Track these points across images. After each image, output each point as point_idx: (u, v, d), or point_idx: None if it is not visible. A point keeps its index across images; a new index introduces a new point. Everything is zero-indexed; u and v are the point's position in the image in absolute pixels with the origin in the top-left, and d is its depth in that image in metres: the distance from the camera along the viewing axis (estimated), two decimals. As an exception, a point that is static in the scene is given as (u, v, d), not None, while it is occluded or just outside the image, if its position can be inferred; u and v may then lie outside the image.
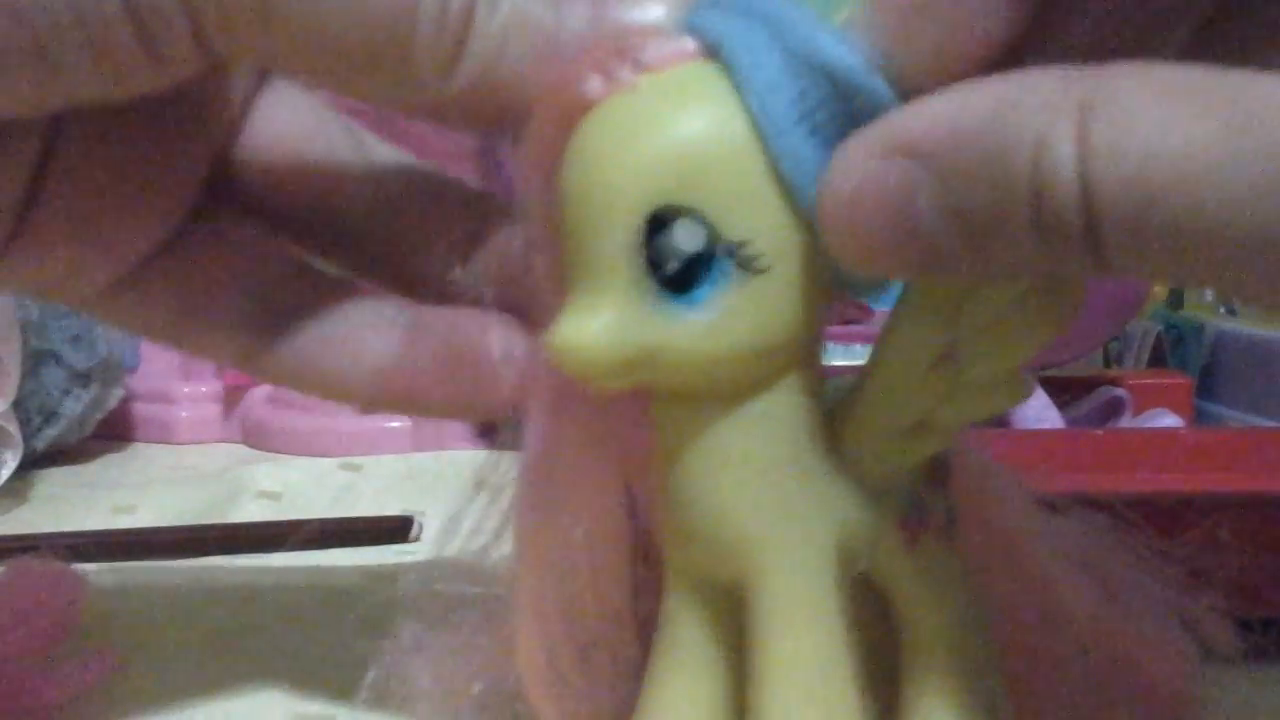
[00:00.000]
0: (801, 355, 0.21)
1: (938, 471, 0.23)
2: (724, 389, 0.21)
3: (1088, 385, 0.54)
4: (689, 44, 0.21)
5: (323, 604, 0.36)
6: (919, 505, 0.22)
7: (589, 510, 0.24)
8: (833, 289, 0.21)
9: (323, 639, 0.35)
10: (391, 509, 0.50)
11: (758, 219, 0.20)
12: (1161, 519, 0.27)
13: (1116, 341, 0.67)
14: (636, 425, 0.23)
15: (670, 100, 0.20)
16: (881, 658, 0.23)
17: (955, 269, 0.18)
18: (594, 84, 0.21)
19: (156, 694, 0.33)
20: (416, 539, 0.46)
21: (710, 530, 0.22)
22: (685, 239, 0.20)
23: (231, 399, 0.68)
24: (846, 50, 0.19)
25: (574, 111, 0.21)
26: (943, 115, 0.18)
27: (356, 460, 0.55)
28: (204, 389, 0.68)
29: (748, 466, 0.21)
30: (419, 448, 0.61)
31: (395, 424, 0.63)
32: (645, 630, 0.24)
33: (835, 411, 0.22)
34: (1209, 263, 0.16)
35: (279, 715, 0.32)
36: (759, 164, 0.20)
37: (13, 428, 0.52)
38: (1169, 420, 0.50)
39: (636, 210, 0.20)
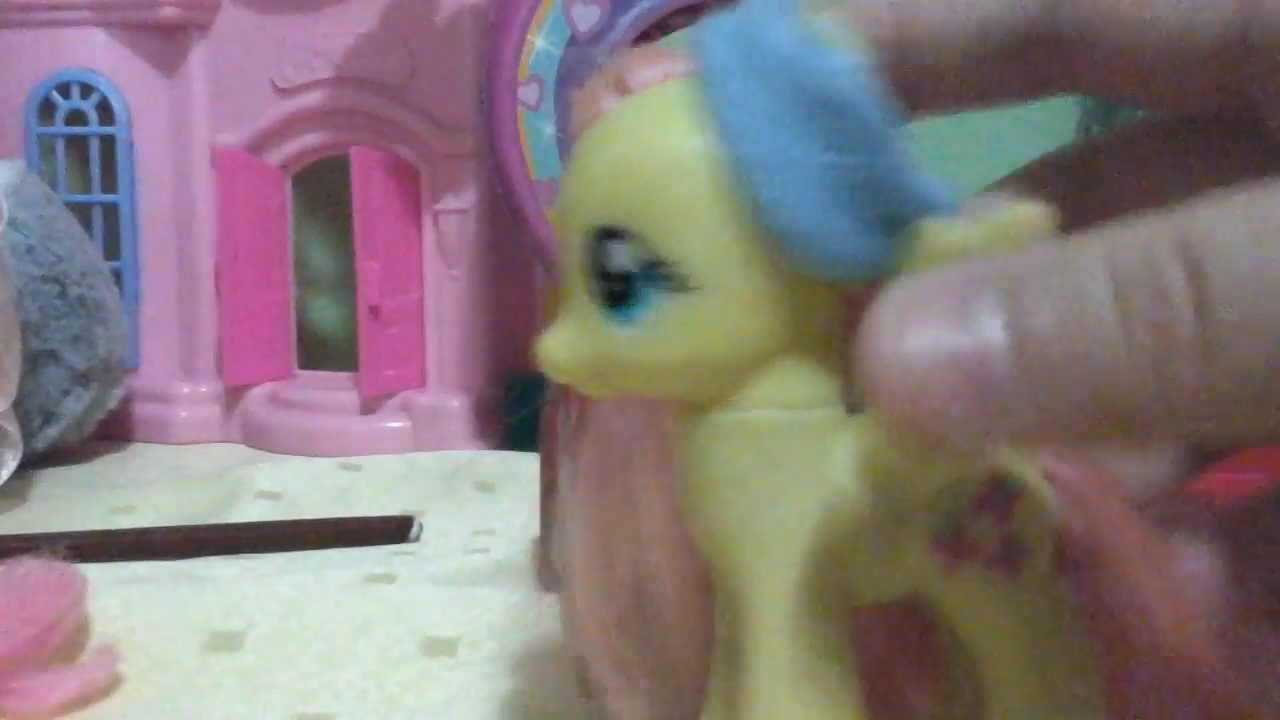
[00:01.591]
0: (783, 366, 0.21)
1: (992, 496, 0.21)
2: (700, 400, 0.21)
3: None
4: (678, 65, 0.21)
5: (323, 604, 0.36)
6: (956, 529, 0.21)
7: (659, 502, 0.24)
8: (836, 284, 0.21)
9: (323, 639, 0.35)
10: (391, 509, 0.50)
11: (694, 237, 0.20)
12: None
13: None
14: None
15: (626, 121, 0.21)
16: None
17: (1034, 430, 0.17)
18: (585, 108, 0.22)
19: (156, 694, 0.33)
20: (416, 539, 0.46)
21: (702, 544, 0.22)
22: (618, 257, 0.20)
23: (231, 399, 0.68)
24: (825, 65, 0.19)
25: (578, 135, 0.22)
26: (1004, 258, 0.17)
27: (356, 460, 0.55)
28: (204, 389, 0.68)
29: (722, 480, 0.21)
30: (419, 448, 0.61)
31: (395, 424, 0.63)
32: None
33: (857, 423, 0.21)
34: None
35: (279, 715, 0.32)
36: (701, 182, 0.20)
37: (13, 428, 0.52)
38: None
39: (584, 229, 0.21)
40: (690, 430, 0.22)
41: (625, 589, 0.24)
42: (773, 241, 0.20)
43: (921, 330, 0.17)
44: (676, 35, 0.61)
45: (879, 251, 0.19)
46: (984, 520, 0.21)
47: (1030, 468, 0.21)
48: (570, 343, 0.22)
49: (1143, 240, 0.16)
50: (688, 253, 0.20)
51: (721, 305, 0.20)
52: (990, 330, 0.16)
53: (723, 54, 0.20)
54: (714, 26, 0.20)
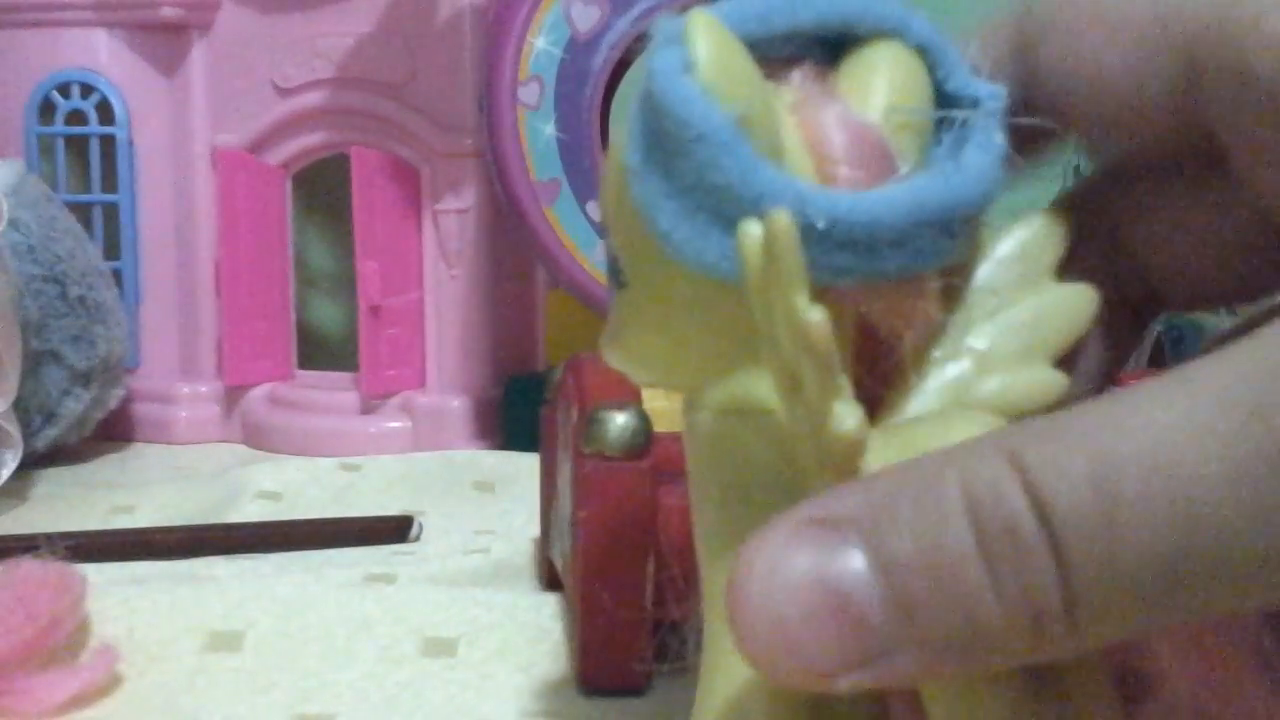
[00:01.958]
0: (742, 370, 0.21)
1: None
2: (682, 396, 0.22)
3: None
4: None
5: (323, 604, 0.36)
6: None
7: None
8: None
9: (323, 639, 0.35)
10: (391, 509, 0.50)
11: (622, 237, 0.21)
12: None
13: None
14: None
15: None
16: None
17: (898, 662, 0.16)
18: None
19: (156, 694, 0.33)
20: (416, 539, 0.46)
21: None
22: (606, 252, 0.22)
23: (231, 399, 0.68)
24: (654, 72, 0.19)
25: None
26: (864, 487, 0.17)
27: (356, 460, 0.55)
28: (204, 389, 0.68)
29: (691, 478, 0.22)
30: (419, 448, 0.61)
31: (395, 424, 0.63)
32: None
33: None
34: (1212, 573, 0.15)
35: (279, 715, 0.32)
36: (620, 189, 0.21)
37: (13, 428, 0.52)
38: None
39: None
40: (686, 434, 0.22)
41: None
42: (663, 250, 0.20)
43: (783, 562, 0.17)
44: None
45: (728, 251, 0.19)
46: None
47: None
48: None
49: (991, 472, 0.16)
50: (620, 250, 0.21)
51: (644, 301, 0.21)
52: (854, 560, 0.16)
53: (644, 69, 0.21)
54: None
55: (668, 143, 0.19)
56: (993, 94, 0.21)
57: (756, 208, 0.19)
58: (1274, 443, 0.15)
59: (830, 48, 0.22)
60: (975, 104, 0.21)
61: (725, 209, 0.19)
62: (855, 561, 0.16)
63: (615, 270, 0.22)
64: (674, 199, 0.20)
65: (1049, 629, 0.16)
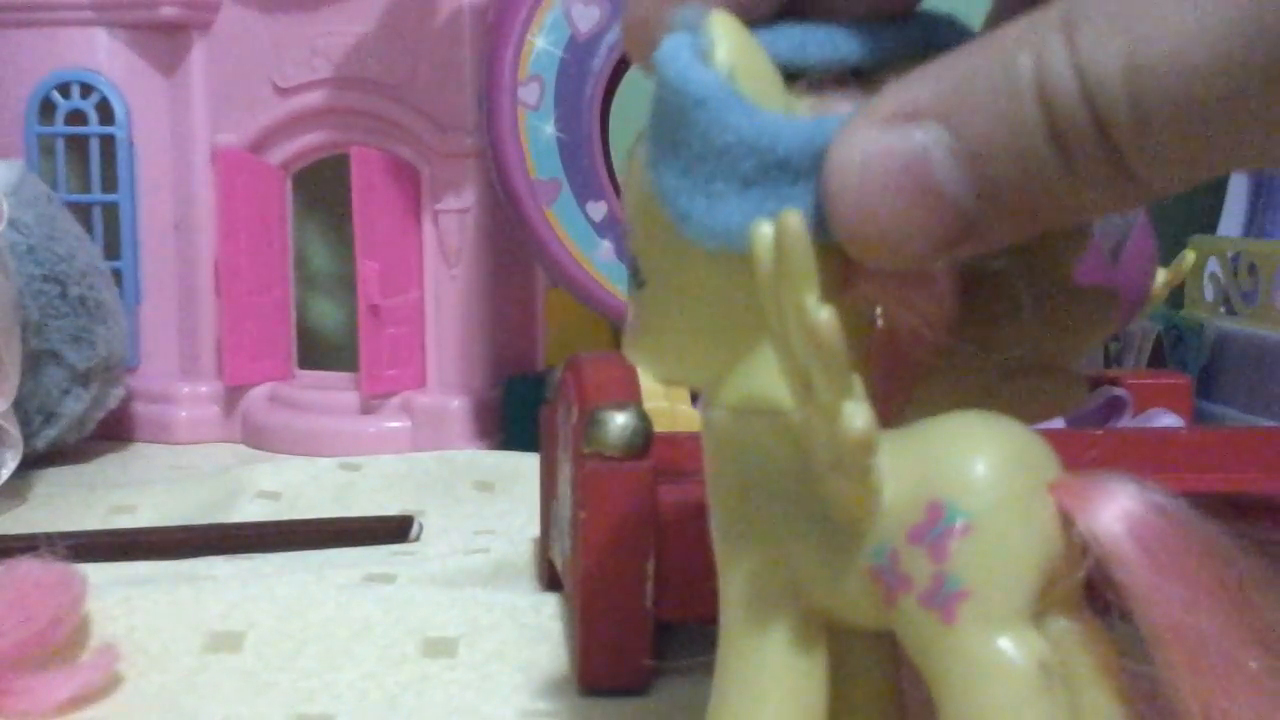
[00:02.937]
0: (755, 369, 0.21)
1: (926, 530, 0.20)
2: (703, 393, 0.22)
3: (1088, 385, 0.54)
4: None
5: (323, 604, 0.36)
6: (894, 561, 0.20)
7: None
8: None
9: (323, 639, 0.35)
10: (391, 509, 0.50)
11: (642, 235, 0.21)
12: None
13: (1116, 341, 0.67)
14: None
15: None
16: None
17: (985, 234, 0.18)
18: None
19: (156, 694, 0.33)
20: (416, 539, 0.46)
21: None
22: (622, 249, 0.22)
23: (231, 399, 0.68)
24: (660, 57, 0.19)
25: None
26: (940, 73, 0.18)
27: (356, 460, 0.55)
28: (204, 389, 0.68)
29: (711, 483, 0.22)
30: (419, 448, 0.61)
31: (395, 424, 0.63)
32: None
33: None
34: (1227, 131, 0.16)
35: (279, 715, 0.32)
36: (639, 187, 0.21)
37: (13, 428, 0.52)
38: (1169, 420, 0.50)
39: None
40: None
41: None
42: (682, 234, 0.20)
43: (875, 155, 0.18)
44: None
45: (757, 212, 0.19)
46: (916, 554, 0.20)
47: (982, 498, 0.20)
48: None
49: (1054, 55, 0.17)
50: (640, 249, 0.22)
51: (662, 298, 0.21)
52: (938, 148, 0.18)
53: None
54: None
55: (674, 120, 0.19)
56: None
57: (772, 153, 0.19)
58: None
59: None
60: None
61: (740, 167, 0.19)
62: (940, 150, 0.18)
63: (635, 271, 0.22)
64: (687, 176, 0.20)
65: (1115, 185, 0.17)
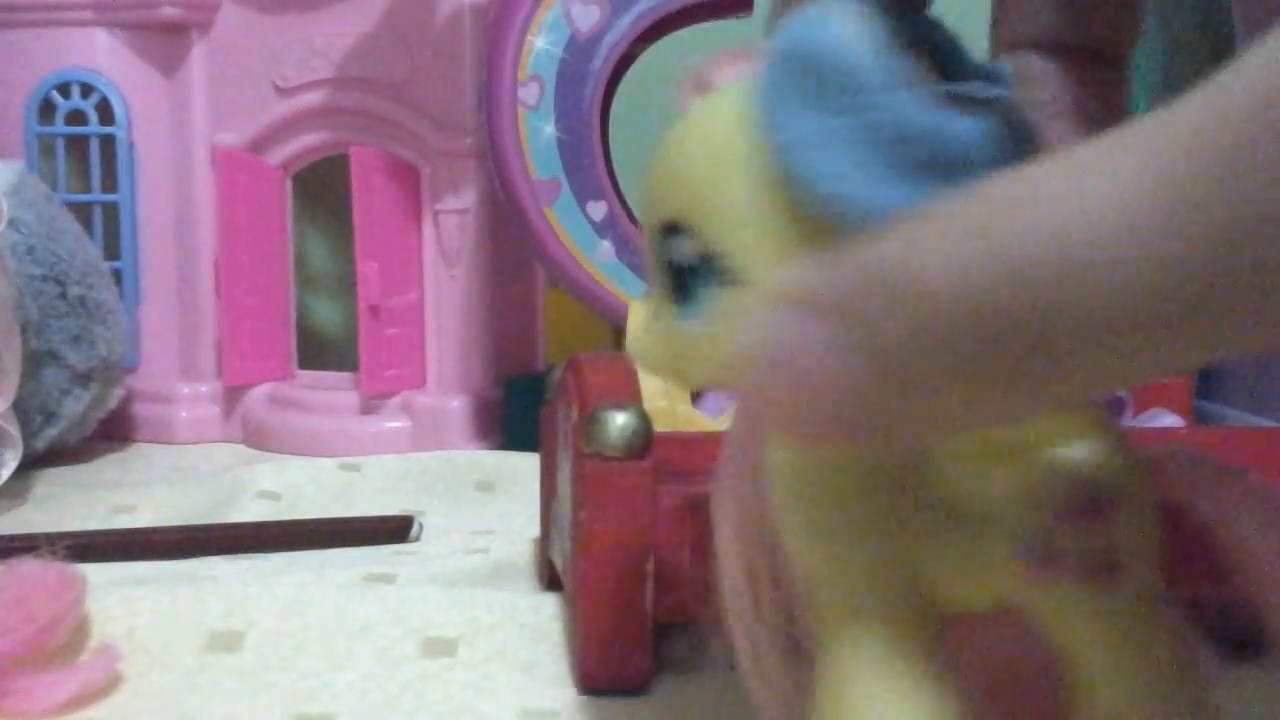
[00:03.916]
0: None
1: (1078, 503, 0.20)
2: None
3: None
4: (749, 64, 0.21)
5: (323, 604, 0.36)
6: (1044, 539, 0.20)
7: None
8: None
9: (323, 639, 0.35)
10: (391, 509, 0.50)
11: (743, 231, 0.20)
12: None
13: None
14: None
15: (693, 120, 0.21)
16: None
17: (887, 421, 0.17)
18: (679, 106, 0.22)
19: (156, 694, 0.33)
20: (416, 539, 0.46)
21: (784, 537, 0.21)
22: (678, 251, 0.21)
23: (231, 399, 0.68)
24: (818, 35, 0.19)
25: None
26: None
27: (356, 460, 0.55)
28: (204, 389, 0.68)
29: (795, 491, 0.21)
30: (419, 448, 0.61)
31: (395, 424, 0.63)
32: None
33: None
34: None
35: (279, 715, 0.32)
36: (749, 177, 0.20)
37: (13, 428, 0.52)
38: (1169, 420, 0.50)
39: (654, 223, 0.22)
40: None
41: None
42: (819, 223, 0.19)
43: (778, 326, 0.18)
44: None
45: (914, 197, 0.19)
46: (1072, 529, 0.20)
47: (1129, 461, 0.20)
48: (639, 328, 0.23)
49: None
50: (739, 246, 0.20)
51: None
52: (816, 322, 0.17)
53: (770, 50, 0.20)
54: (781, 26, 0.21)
55: (831, 103, 0.19)
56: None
57: (940, 145, 0.19)
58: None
59: None
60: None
61: (911, 156, 0.19)
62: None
63: (716, 272, 0.21)
64: (845, 161, 0.19)
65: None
